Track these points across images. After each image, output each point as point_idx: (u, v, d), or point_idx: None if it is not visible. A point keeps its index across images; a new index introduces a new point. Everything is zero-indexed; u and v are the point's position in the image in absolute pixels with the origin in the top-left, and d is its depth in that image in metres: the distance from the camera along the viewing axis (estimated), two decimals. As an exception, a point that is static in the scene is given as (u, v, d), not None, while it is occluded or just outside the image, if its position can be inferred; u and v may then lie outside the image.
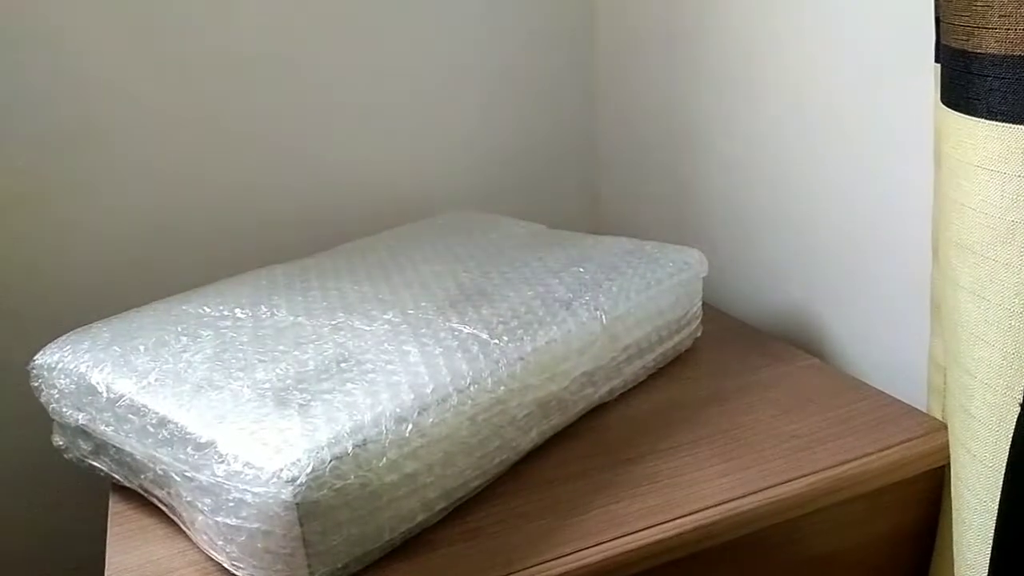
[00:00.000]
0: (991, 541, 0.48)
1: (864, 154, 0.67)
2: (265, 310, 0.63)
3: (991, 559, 0.48)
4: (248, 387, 0.52)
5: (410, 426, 0.48)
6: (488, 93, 0.92)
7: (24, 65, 0.72)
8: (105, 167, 0.78)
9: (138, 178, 0.80)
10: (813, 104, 0.71)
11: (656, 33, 0.87)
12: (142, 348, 0.58)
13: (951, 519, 0.54)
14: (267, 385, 0.52)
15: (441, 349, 0.55)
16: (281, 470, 0.43)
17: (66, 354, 0.59)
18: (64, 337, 0.61)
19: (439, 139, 0.91)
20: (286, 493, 0.43)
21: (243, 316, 0.62)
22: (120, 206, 0.79)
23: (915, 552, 0.61)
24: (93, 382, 0.55)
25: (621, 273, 0.66)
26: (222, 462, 0.46)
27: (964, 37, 0.45)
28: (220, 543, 0.48)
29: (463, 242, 0.75)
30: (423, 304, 0.62)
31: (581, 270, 0.66)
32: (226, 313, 0.63)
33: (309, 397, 0.50)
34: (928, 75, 0.54)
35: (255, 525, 0.44)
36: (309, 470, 0.43)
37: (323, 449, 0.45)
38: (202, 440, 0.48)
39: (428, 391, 0.51)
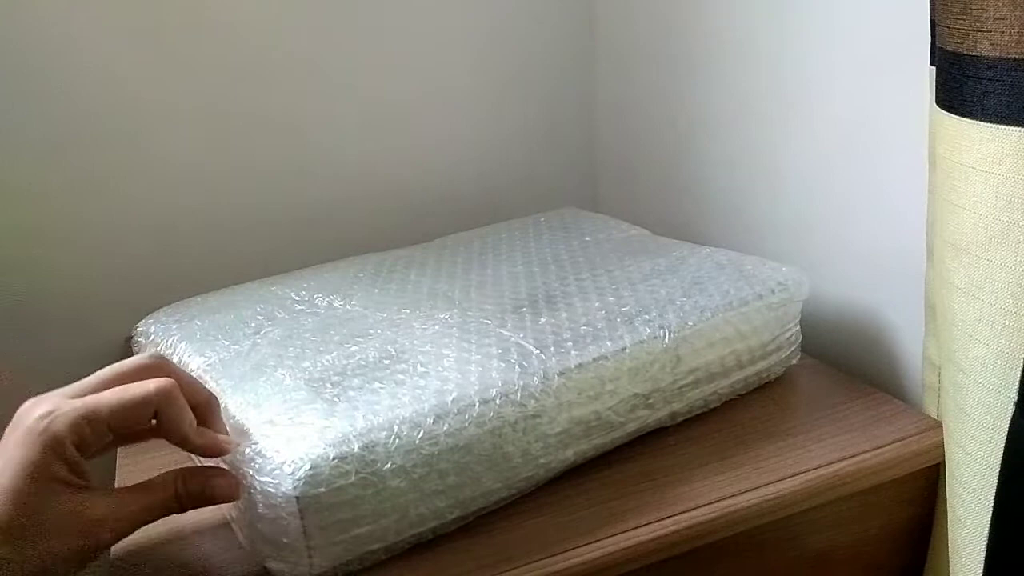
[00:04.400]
0: (986, 539, 0.45)
1: (860, 155, 0.63)
2: (340, 299, 0.61)
3: (986, 557, 0.45)
4: (290, 376, 0.50)
5: (422, 432, 0.44)
6: (488, 94, 0.88)
7: (37, 61, 0.70)
8: (127, 165, 0.75)
9: (163, 176, 0.77)
10: (811, 106, 0.67)
11: (656, 34, 0.83)
12: (221, 326, 0.57)
13: (946, 517, 0.51)
14: (308, 375, 0.49)
15: (479, 356, 0.51)
16: (285, 463, 0.42)
17: (160, 326, 0.59)
18: (161, 309, 0.61)
19: (438, 139, 0.87)
20: (287, 486, 0.41)
21: (320, 303, 0.60)
22: (140, 205, 0.76)
23: (910, 549, 0.58)
24: (171, 355, 0.55)
25: (702, 289, 0.58)
26: (245, 447, 0.45)
27: (959, 40, 0.42)
28: (239, 520, 0.47)
29: (556, 243, 0.70)
30: (487, 307, 0.58)
31: (659, 283, 0.60)
32: (307, 299, 0.61)
33: (339, 392, 0.47)
34: (924, 78, 0.51)
35: (263, 511, 0.43)
36: (309, 466, 0.41)
37: (329, 447, 0.42)
38: (234, 422, 0.47)
39: (449, 399, 0.46)
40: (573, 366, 0.50)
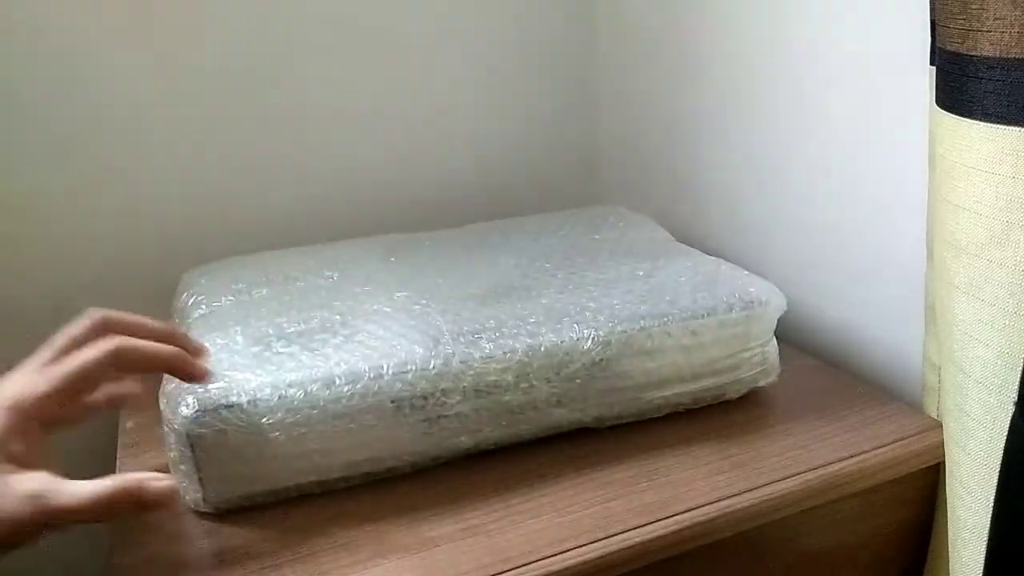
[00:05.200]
0: (986, 538, 0.45)
1: (861, 156, 0.63)
2: (341, 272, 0.63)
3: (986, 556, 0.45)
4: (243, 334, 0.55)
5: (303, 394, 0.49)
6: (489, 93, 0.88)
7: (26, 67, 0.70)
8: (125, 167, 0.75)
9: (162, 178, 0.77)
10: (811, 106, 0.66)
11: (656, 35, 0.83)
12: (235, 285, 0.62)
13: (946, 516, 0.51)
14: (256, 335, 0.54)
15: (393, 335, 0.53)
16: (184, 404, 0.48)
17: (197, 278, 0.64)
18: (205, 265, 0.67)
19: (439, 140, 0.87)
20: (179, 422, 0.48)
21: (329, 274, 0.64)
22: (123, 208, 0.76)
23: (910, 549, 0.58)
24: (185, 302, 0.61)
25: (656, 297, 0.57)
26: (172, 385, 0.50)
27: (959, 40, 0.42)
28: (167, 448, 0.51)
29: (563, 240, 0.69)
30: (451, 292, 0.59)
31: (622, 287, 0.59)
32: (315, 269, 0.64)
33: (271, 354, 0.52)
34: (924, 78, 0.51)
35: (171, 442, 0.49)
36: (197, 409, 0.48)
37: (219, 396, 0.48)
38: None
39: (338, 369, 0.50)
40: (478, 356, 0.52)
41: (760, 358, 0.58)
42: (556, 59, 0.90)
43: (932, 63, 0.49)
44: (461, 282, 0.61)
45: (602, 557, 0.46)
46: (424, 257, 0.67)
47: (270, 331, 0.55)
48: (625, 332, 0.54)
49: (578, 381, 0.54)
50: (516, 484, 0.52)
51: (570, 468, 0.53)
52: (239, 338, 0.54)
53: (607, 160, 0.95)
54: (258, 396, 0.49)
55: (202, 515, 0.50)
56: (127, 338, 0.46)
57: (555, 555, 0.46)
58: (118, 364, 0.45)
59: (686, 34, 0.79)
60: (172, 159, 0.78)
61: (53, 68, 0.71)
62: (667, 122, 0.84)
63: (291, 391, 0.49)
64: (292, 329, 0.55)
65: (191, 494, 0.50)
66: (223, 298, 0.60)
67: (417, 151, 0.87)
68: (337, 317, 0.56)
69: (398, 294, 0.59)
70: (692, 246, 0.68)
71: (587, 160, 0.95)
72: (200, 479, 0.49)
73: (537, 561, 0.45)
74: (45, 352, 0.45)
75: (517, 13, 0.87)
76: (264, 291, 0.61)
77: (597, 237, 0.70)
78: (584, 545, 0.46)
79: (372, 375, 0.50)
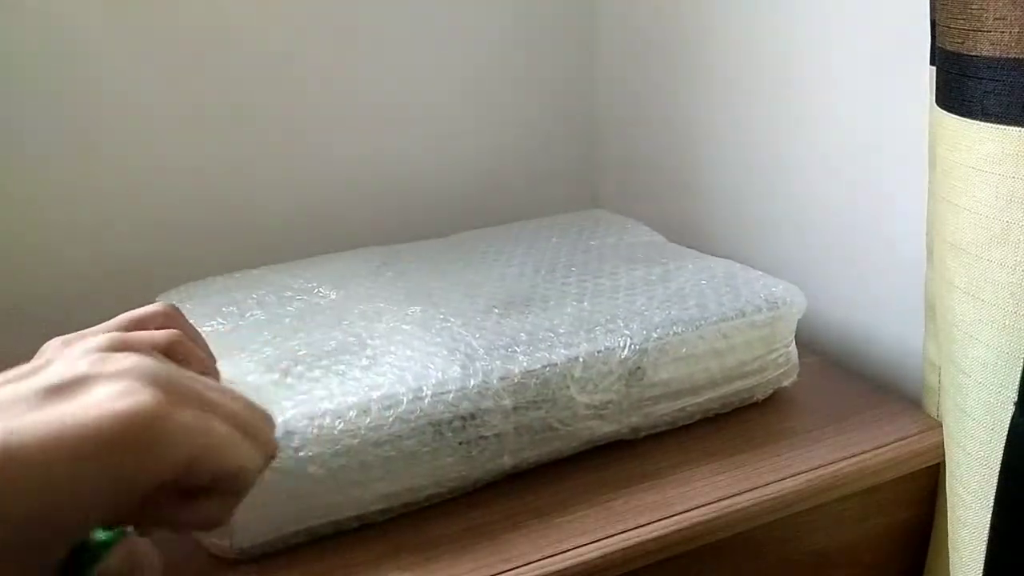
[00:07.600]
0: (986, 539, 0.45)
1: (861, 157, 0.63)
2: (333, 289, 0.61)
3: (986, 557, 0.45)
4: (252, 360, 0.51)
5: (342, 424, 0.45)
6: (489, 95, 0.87)
7: (26, 65, 0.70)
8: (127, 167, 0.75)
9: (164, 178, 0.76)
10: (811, 107, 0.66)
11: (656, 34, 0.83)
12: (224, 309, 0.59)
13: (947, 516, 0.51)
14: (267, 362, 0.51)
15: (422, 355, 0.51)
16: None
17: (179, 302, 0.56)
18: (173, 289, 0.63)
19: (440, 140, 0.86)
20: None
21: (314, 291, 0.60)
22: (125, 206, 0.76)
23: (911, 549, 0.58)
24: None
25: (682, 302, 0.56)
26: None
27: (959, 40, 0.42)
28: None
29: (562, 246, 0.68)
30: (462, 306, 0.57)
31: (643, 292, 0.58)
32: (306, 287, 0.61)
33: (292, 381, 0.49)
34: (924, 78, 0.51)
35: None
36: None
37: None
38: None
39: (375, 394, 0.47)
40: (517, 371, 0.50)
41: (784, 358, 0.58)
42: (556, 60, 0.90)
43: (932, 63, 0.49)
44: (471, 295, 0.59)
45: (601, 557, 0.46)
46: (419, 270, 0.65)
47: (282, 356, 0.52)
48: (660, 339, 0.53)
49: (616, 391, 0.52)
50: (515, 485, 0.52)
51: (568, 467, 0.53)
52: (249, 365, 0.51)
53: (607, 161, 0.95)
54: (292, 428, 0.45)
55: (230, 563, 0.47)
56: (184, 335, 0.44)
57: (555, 555, 0.46)
58: (170, 353, 0.43)
59: (686, 35, 0.79)
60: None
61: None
62: (666, 123, 0.84)
63: (327, 420, 0.46)
64: (304, 352, 0.52)
65: (217, 541, 0.46)
66: (215, 323, 0.57)
67: (415, 154, 0.87)
68: (352, 338, 0.54)
69: (411, 309, 0.57)
70: (692, 247, 0.68)
71: (586, 161, 0.95)
72: (230, 525, 0.45)
73: (537, 561, 0.45)
74: (107, 324, 0.44)
75: (518, 15, 0.86)
76: (259, 313, 0.58)
77: (593, 243, 0.69)
78: (584, 545, 0.46)
79: (411, 398, 0.47)
